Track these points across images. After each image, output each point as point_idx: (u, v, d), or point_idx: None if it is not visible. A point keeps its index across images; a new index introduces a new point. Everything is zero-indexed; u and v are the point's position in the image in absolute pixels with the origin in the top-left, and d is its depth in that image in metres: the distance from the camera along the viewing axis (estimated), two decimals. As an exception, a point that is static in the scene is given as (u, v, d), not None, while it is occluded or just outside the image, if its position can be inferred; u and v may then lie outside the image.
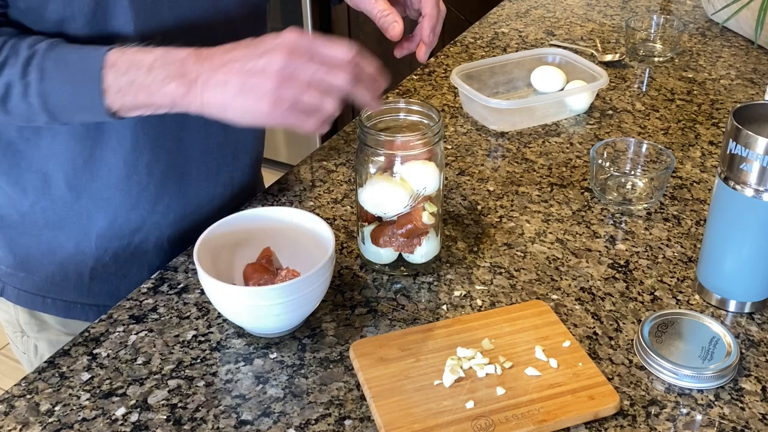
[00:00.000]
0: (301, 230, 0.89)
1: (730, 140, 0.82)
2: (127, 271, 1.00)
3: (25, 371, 0.89)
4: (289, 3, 2.64)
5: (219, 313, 0.87)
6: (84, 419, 0.76)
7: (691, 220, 1.04)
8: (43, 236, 0.97)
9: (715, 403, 0.78)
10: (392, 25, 0.91)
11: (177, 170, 0.96)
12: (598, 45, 1.53)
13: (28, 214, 0.95)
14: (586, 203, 1.08)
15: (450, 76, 1.33)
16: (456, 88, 1.30)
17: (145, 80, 0.76)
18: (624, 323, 0.87)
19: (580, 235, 1.01)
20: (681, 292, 0.92)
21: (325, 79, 0.74)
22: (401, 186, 0.88)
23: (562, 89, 1.31)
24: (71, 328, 1.03)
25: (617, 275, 0.95)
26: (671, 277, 0.94)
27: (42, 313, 1.03)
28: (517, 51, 1.48)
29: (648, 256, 0.98)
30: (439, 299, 0.91)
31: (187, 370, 0.82)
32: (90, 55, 0.78)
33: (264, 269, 0.86)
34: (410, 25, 0.95)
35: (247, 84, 0.73)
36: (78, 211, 0.95)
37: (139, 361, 0.83)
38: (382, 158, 0.88)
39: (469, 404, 0.76)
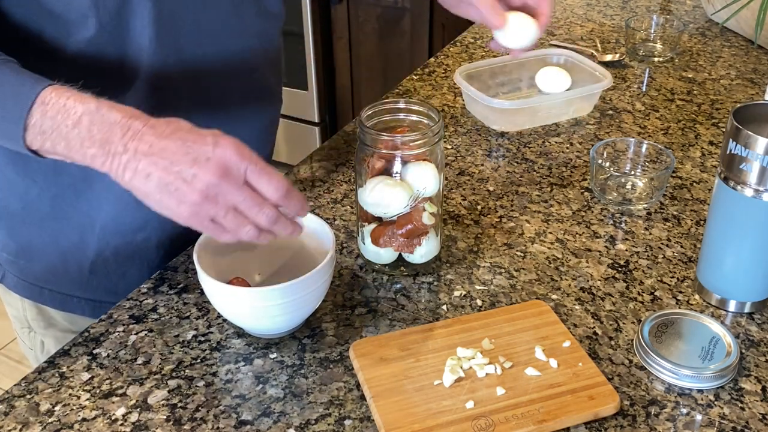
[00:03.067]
0: (301, 230, 0.89)
1: (730, 140, 0.82)
2: (127, 268, 1.00)
3: (31, 368, 0.89)
4: (289, 3, 2.64)
5: (219, 313, 0.87)
6: (84, 419, 0.76)
7: (691, 220, 1.04)
8: (47, 226, 0.97)
9: (715, 403, 0.78)
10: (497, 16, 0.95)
11: None
12: (598, 45, 1.53)
13: (33, 203, 0.95)
14: (586, 203, 1.08)
15: (451, 75, 1.33)
16: (456, 88, 1.30)
17: (68, 133, 0.73)
18: (624, 323, 0.87)
19: (580, 235, 1.01)
20: (681, 292, 0.92)
21: (247, 213, 0.73)
22: (401, 186, 0.88)
23: (569, 89, 1.31)
24: (78, 325, 1.03)
25: (617, 275, 0.95)
26: (671, 277, 0.94)
27: (49, 309, 1.04)
28: (517, 51, 1.48)
29: (648, 256, 0.98)
30: (439, 299, 0.91)
31: (187, 370, 0.82)
32: (27, 85, 0.75)
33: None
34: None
35: (170, 186, 0.71)
36: (85, 202, 0.95)
37: (139, 361, 0.83)
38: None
39: (469, 404, 0.76)
